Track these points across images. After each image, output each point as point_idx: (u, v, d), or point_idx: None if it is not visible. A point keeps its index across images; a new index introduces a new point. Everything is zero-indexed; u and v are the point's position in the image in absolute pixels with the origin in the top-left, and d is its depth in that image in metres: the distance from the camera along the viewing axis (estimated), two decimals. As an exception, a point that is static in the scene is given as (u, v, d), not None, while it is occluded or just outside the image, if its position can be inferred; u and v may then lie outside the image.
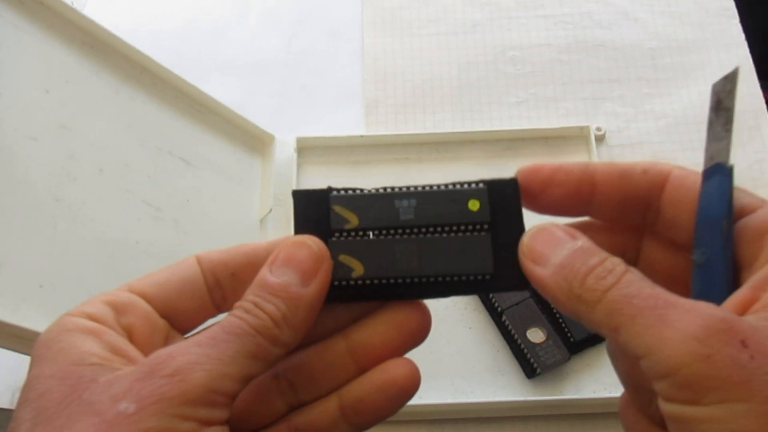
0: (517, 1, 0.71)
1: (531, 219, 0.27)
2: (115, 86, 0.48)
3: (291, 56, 0.70)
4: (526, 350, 0.51)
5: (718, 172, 0.25)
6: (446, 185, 0.27)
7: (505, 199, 0.27)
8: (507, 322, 0.52)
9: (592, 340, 0.51)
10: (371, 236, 0.27)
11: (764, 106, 0.63)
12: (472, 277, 0.27)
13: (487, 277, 0.27)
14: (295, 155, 0.61)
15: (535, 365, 0.50)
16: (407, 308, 0.27)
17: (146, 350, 0.25)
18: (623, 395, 0.28)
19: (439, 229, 0.27)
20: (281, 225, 0.58)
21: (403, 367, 0.26)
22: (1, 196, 0.38)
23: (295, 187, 0.59)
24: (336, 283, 0.26)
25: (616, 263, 0.24)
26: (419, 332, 0.27)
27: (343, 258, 0.26)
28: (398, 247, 0.27)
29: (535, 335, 0.51)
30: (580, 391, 0.51)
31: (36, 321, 0.36)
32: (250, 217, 0.57)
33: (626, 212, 0.27)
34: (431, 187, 0.27)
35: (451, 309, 0.54)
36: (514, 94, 0.66)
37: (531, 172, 0.27)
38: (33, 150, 0.40)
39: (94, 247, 0.42)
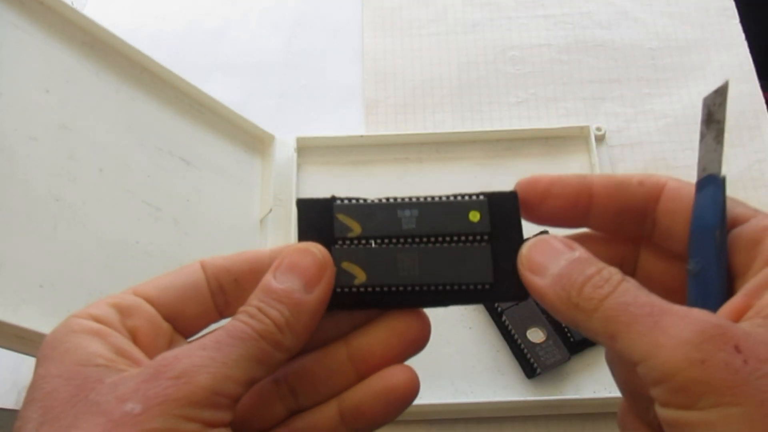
0: (517, 1, 0.71)
1: (530, 231, 0.28)
2: (116, 86, 0.48)
3: (291, 56, 0.70)
4: (526, 350, 0.51)
5: (711, 183, 0.26)
6: (448, 197, 0.28)
7: (504, 211, 0.27)
8: (507, 322, 0.52)
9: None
10: (374, 245, 0.27)
11: (764, 106, 0.63)
12: (472, 287, 0.27)
13: (487, 286, 0.27)
14: (295, 155, 0.61)
15: (535, 365, 0.50)
16: (408, 316, 0.27)
17: (150, 353, 0.25)
18: (622, 403, 0.29)
19: (440, 239, 0.27)
20: (281, 225, 0.58)
21: (402, 374, 0.27)
22: (1, 196, 0.38)
23: (294, 187, 0.59)
24: (338, 289, 0.27)
25: (613, 273, 0.24)
26: (419, 340, 0.27)
27: (346, 265, 0.27)
28: (400, 255, 0.27)
29: (535, 335, 0.51)
30: (580, 391, 0.50)
31: (36, 321, 0.36)
32: (250, 217, 0.57)
33: (623, 223, 0.28)
34: (433, 198, 0.28)
35: (451, 309, 0.53)
36: (514, 94, 0.66)
37: (529, 184, 0.28)
38: (33, 150, 0.40)
39: (94, 246, 0.42)
